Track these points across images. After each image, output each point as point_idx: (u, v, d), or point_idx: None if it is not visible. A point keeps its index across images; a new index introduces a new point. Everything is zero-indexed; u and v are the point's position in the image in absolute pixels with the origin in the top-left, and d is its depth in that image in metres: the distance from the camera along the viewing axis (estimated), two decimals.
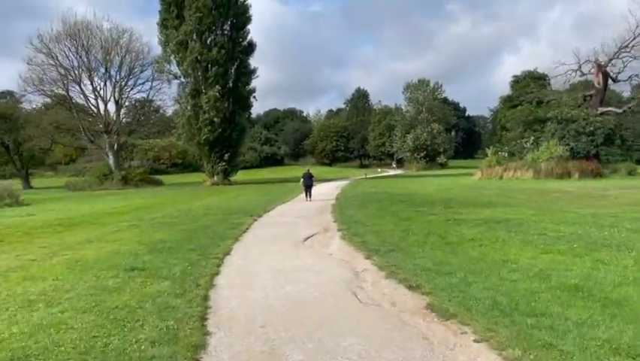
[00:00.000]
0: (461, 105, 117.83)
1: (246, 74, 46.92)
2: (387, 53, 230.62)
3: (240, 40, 46.06)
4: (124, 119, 54.37)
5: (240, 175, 52.66)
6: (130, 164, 62.24)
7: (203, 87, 44.07)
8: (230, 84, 45.24)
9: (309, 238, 10.57)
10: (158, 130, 58.31)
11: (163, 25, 44.93)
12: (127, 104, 54.76)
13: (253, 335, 4.45)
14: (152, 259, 7.93)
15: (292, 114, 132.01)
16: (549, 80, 56.64)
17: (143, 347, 4.08)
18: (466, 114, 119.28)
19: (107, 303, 5.39)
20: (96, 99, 50.84)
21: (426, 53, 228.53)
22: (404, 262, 7.20)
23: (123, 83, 51.41)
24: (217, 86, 42.95)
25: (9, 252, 9.42)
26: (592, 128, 38.98)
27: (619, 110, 43.65)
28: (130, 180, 47.02)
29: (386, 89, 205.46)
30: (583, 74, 45.47)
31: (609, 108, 43.80)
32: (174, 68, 45.94)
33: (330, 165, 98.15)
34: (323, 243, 9.90)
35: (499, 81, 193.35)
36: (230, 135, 45.62)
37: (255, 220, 14.06)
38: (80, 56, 48.33)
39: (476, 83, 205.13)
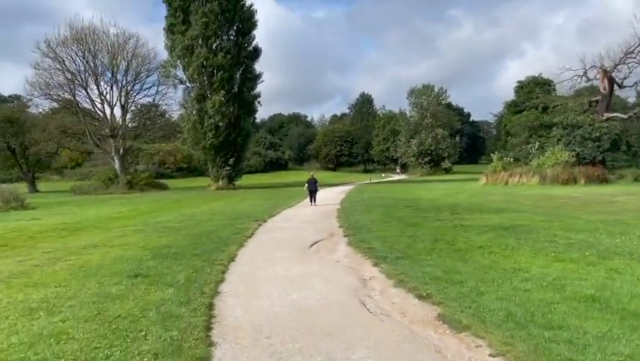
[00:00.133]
0: (465, 110, 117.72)
1: (251, 79, 47.05)
2: (391, 58, 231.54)
3: (246, 45, 46.24)
4: (130, 124, 54.46)
5: (244, 180, 52.67)
6: (135, 168, 62.21)
7: (208, 92, 44.21)
8: (236, 89, 45.38)
9: (314, 243, 10.42)
10: (164, 134, 58.37)
11: (169, 30, 45.15)
12: (133, 108, 54.94)
13: (259, 347, 4.31)
14: (157, 265, 7.81)
15: (296, 119, 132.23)
16: (554, 85, 56.41)
17: (145, 359, 3.95)
18: (470, 119, 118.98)
19: (109, 311, 5.26)
20: (102, 104, 51.06)
21: (429, 58, 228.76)
22: (412, 270, 7.04)
23: (129, 88, 51.61)
24: (222, 91, 43.09)
25: (12, 257, 9.31)
26: (598, 134, 38.64)
27: (625, 116, 43.27)
28: (135, 185, 47.00)
29: (390, 94, 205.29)
30: (588, 80, 45.24)
31: (615, 114, 43.44)
32: (180, 73, 46.24)
33: (334, 169, 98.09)
34: (329, 249, 9.75)
35: (503, 86, 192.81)
36: (235, 140, 45.68)
37: (260, 225, 13.94)
38: (87, 61, 48.56)
39: (479, 88, 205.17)
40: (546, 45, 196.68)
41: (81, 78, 49.01)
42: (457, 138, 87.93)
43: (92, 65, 48.83)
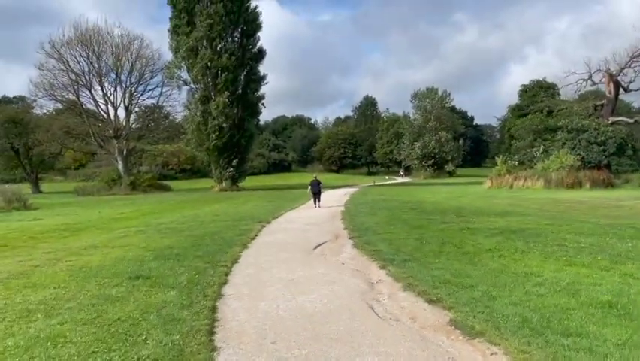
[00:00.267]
0: (469, 114, 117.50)
1: (256, 80, 46.96)
2: (395, 61, 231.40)
3: (250, 47, 46.15)
4: (133, 125, 54.48)
5: (247, 181, 52.52)
6: (139, 169, 62.21)
7: (212, 93, 44.12)
8: (240, 91, 45.29)
9: (319, 245, 10.24)
10: (167, 136, 58.40)
11: (174, 31, 45.11)
12: (137, 109, 54.96)
13: (264, 353, 4.13)
14: (158, 267, 7.65)
15: (300, 121, 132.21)
16: (558, 89, 56.08)
17: None
18: (474, 123, 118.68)
19: (109, 314, 5.10)
20: (106, 105, 51.09)
21: (433, 62, 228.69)
22: (421, 273, 6.85)
23: (133, 89, 51.60)
24: (226, 93, 43.01)
25: (12, 257, 9.18)
26: (603, 138, 38.38)
27: (630, 120, 42.95)
28: (138, 186, 46.92)
29: (394, 97, 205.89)
30: (594, 84, 44.98)
31: (620, 118, 43.15)
32: (184, 75, 46.15)
33: (337, 172, 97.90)
34: (334, 251, 9.57)
35: (506, 90, 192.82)
36: (239, 141, 45.58)
37: (264, 227, 13.78)
38: (91, 62, 48.58)
39: (483, 92, 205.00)
40: (549, 50, 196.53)
41: (85, 79, 49.13)
42: (461, 142, 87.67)
43: (96, 66, 48.93)
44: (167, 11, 47.15)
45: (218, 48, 43.63)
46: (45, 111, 56.95)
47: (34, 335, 4.49)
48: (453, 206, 19.56)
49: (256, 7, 46.46)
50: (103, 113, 51.59)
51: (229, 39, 44.84)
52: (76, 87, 48.90)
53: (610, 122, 40.92)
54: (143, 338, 4.38)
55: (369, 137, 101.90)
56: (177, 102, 53.43)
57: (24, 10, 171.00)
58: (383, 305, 5.56)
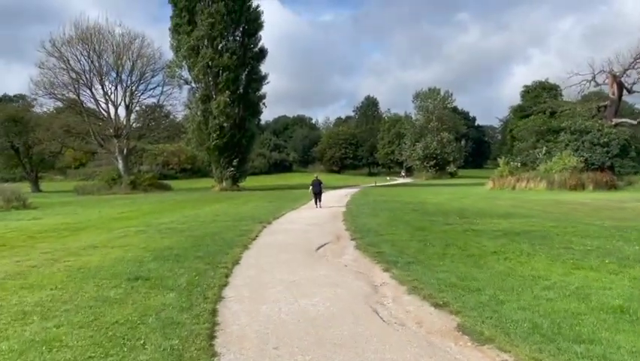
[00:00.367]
0: (470, 115, 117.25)
1: (257, 80, 46.82)
2: (397, 61, 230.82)
3: (252, 46, 46.03)
4: (134, 124, 54.32)
5: (248, 181, 52.38)
6: (139, 169, 62.08)
7: (213, 93, 43.99)
8: (241, 90, 45.16)
9: (321, 246, 10.11)
10: (168, 135, 58.20)
11: (175, 30, 44.99)
12: (137, 108, 54.76)
13: (266, 359, 3.99)
14: (158, 268, 7.52)
15: (301, 121, 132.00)
16: (561, 90, 55.89)
17: None
18: (476, 124, 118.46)
19: (106, 317, 4.96)
20: (107, 103, 50.91)
21: (435, 62, 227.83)
22: (426, 276, 6.72)
23: (134, 88, 51.41)
24: (227, 92, 42.89)
25: (9, 257, 9.05)
26: (607, 140, 38.19)
27: (634, 122, 42.78)
28: (139, 185, 46.78)
29: (396, 97, 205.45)
30: (597, 85, 44.83)
31: (624, 119, 43.01)
32: (185, 74, 46.03)
33: (338, 172, 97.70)
34: (337, 252, 9.43)
35: (508, 91, 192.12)
36: (240, 141, 45.43)
37: (265, 227, 13.64)
38: (92, 60, 48.41)
39: (485, 93, 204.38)
40: (553, 51, 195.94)
41: (86, 78, 48.96)
42: (463, 142, 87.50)
43: (96, 64, 48.76)
44: (169, 10, 47.08)
45: (219, 47, 43.52)
46: (45, 110, 56.89)
47: (30, 339, 4.36)
48: (455, 207, 19.42)
49: (258, 6, 46.46)
50: (103, 112, 51.50)
51: (230, 38, 44.73)
52: (76, 86, 48.78)
53: (613, 123, 40.76)
54: (142, 342, 4.24)
55: (370, 137, 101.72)
56: (178, 101, 53.30)
57: (25, 8, 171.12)
58: (388, 309, 5.42)
